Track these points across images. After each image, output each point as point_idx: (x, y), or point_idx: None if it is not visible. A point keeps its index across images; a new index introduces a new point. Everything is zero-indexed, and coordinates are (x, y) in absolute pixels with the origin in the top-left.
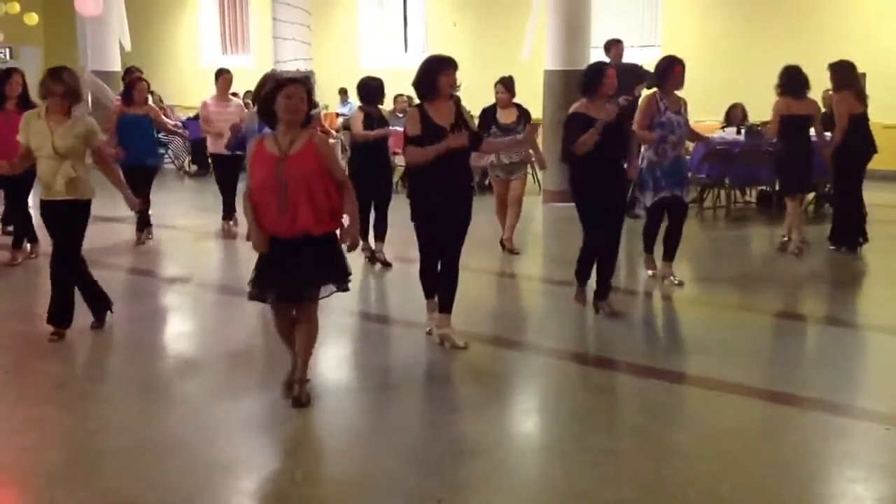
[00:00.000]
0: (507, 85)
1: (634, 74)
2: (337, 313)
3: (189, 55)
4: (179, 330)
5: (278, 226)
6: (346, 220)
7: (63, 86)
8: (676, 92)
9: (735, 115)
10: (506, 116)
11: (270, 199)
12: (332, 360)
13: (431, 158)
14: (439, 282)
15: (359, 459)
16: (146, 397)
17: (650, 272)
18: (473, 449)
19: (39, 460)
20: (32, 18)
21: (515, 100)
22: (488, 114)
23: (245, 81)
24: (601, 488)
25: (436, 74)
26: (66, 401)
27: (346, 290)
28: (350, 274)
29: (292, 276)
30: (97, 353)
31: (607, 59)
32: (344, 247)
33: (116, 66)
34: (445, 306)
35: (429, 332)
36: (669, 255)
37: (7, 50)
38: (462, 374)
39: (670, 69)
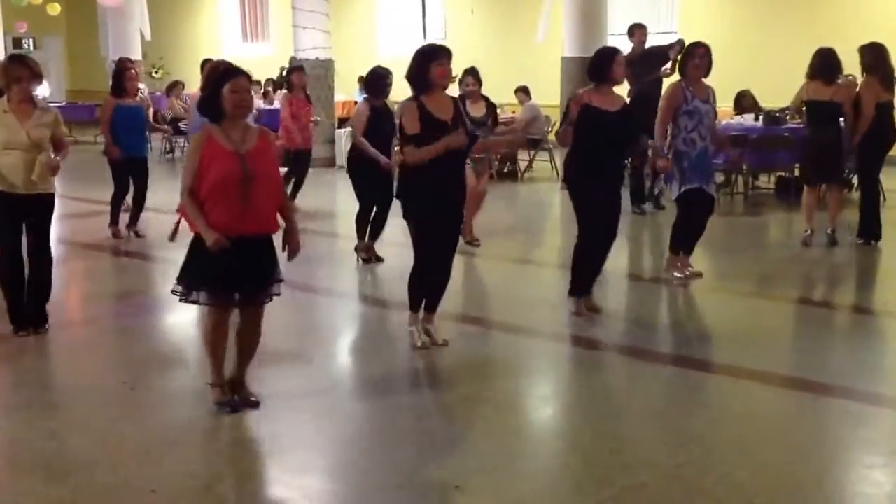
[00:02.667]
0: (477, 76)
1: (657, 56)
2: (345, 301)
3: (209, 44)
4: (195, 317)
5: (237, 224)
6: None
7: (29, 70)
8: (704, 80)
9: (747, 102)
10: (476, 110)
11: (230, 196)
12: (343, 350)
13: (430, 158)
14: (433, 284)
15: (374, 448)
16: (165, 386)
17: (677, 275)
18: (490, 436)
19: (64, 446)
20: (55, 8)
21: (529, 90)
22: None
23: (266, 70)
24: (619, 475)
25: (427, 65)
26: (87, 389)
27: (279, 294)
28: (282, 279)
29: (251, 276)
30: (115, 342)
31: (630, 44)
32: (284, 254)
33: (137, 56)
34: (435, 307)
35: (421, 345)
36: (688, 250)
37: (30, 40)
38: (477, 363)
39: (689, 55)
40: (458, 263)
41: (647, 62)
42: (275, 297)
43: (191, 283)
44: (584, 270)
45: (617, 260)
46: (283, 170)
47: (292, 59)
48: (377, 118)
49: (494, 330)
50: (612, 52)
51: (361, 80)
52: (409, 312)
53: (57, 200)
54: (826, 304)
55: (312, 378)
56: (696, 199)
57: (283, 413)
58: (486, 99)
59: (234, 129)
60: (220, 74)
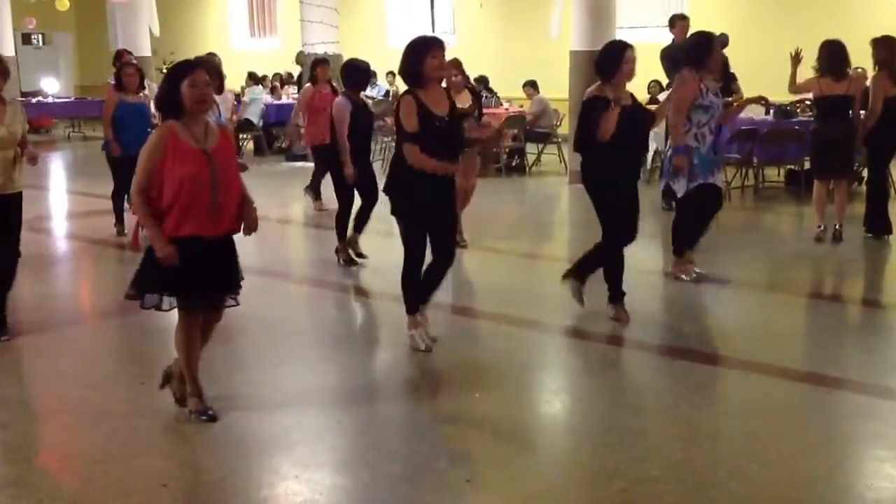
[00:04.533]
0: (460, 67)
1: None
2: (355, 297)
3: (218, 39)
4: None
5: (209, 226)
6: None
7: (0, 63)
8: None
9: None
10: (460, 101)
11: (200, 197)
12: (352, 345)
13: (429, 170)
14: (432, 277)
15: (384, 442)
16: None
17: (684, 277)
18: (501, 430)
19: (76, 440)
20: (64, 4)
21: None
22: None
23: (273, 64)
24: (630, 468)
25: (422, 58)
26: (98, 384)
27: (237, 303)
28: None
29: (218, 281)
30: (125, 338)
31: (672, 36)
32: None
33: (147, 52)
34: (428, 300)
35: (426, 349)
36: (692, 246)
37: (39, 35)
38: (487, 356)
39: (712, 49)
40: (465, 257)
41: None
42: (236, 303)
43: (147, 286)
44: (617, 272)
45: (627, 256)
46: (299, 164)
47: (300, 54)
48: (356, 113)
49: (503, 324)
50: (621, 47)
51: (372, 73)
52: (407, 316)
53: (64, 197)
54: (837, 299)
55: (322, 373)
56: (703, 193)
57: (292, 408)
58: (471, 90)
59: (196, 127)
60: (178, 70)
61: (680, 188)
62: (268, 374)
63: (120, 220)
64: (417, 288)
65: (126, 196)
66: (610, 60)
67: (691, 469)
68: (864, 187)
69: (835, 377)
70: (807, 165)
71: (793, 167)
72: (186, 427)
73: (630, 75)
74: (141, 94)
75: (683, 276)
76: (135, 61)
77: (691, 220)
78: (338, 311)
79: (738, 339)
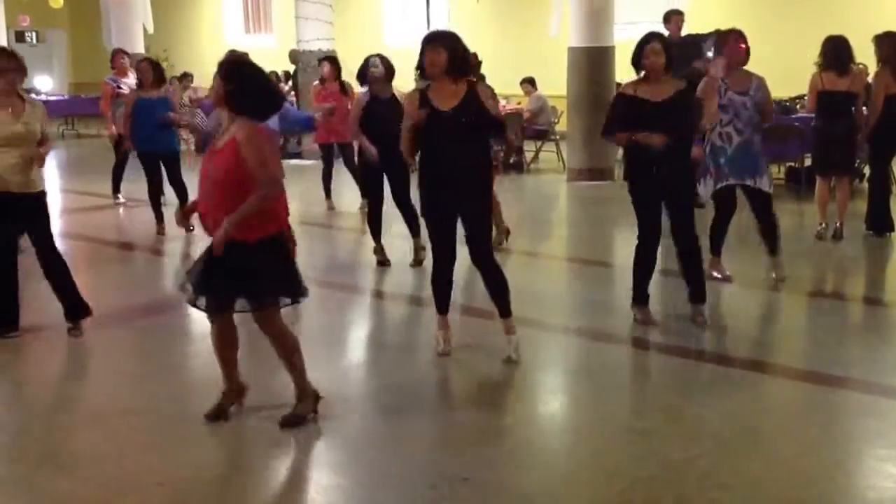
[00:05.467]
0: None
1: (695, 47)
2: (362, 297)
3: (212, 35)
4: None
5: (203, 222)
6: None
7: (16, 62)
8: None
9: None
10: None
11: (202, 195)
12: (353, 345)
13: (404, 144)
14: (486, 284)
15: (382, 442)
16: (174, 380)
17: (718, 275)
18: (501, 429)
19: (73, 439)
20: (57, 1)
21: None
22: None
23: (269, 62)
24: (631, 467)
25: (421, 54)
26: (96, 383)
27: (298, 301)
28: (294, 288)
29: (214, 282)
30: (124, 336)
31: (666, 32)
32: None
33: (140, 48)
34: (505, 310)
35: (444, 352)
36: (772, 250)
37: (33, 33)
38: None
39: (726, 45)
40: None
41: (683, 52)
42: (289, 304)
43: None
44: (642, 274)
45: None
46: (294, 162)
47: (293, 52)
48: (374, 107)
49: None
50: (644, 40)
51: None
52: (436, 315)
53: (60, 195)
54: (839, 297)
55: (321, 374)
56: (747, 196)
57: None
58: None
59: (229, 124)
60: None
61: (707, 188)
62: (267, 374)
63: (159, 220)
64: (442, 289)
65: (157, 194)
66: (636, 54)
67: (693, 468)
68: (865, 184)
69: (837, 376)
70: (807, 162)
71: (793, 164)
72: (183, 426)
73: (651, 69)
74: (162, 89)
75: (716, 275)
76: (126, 60)
77: (723, 221)
78: (339, 312)
79: (738, 337)
